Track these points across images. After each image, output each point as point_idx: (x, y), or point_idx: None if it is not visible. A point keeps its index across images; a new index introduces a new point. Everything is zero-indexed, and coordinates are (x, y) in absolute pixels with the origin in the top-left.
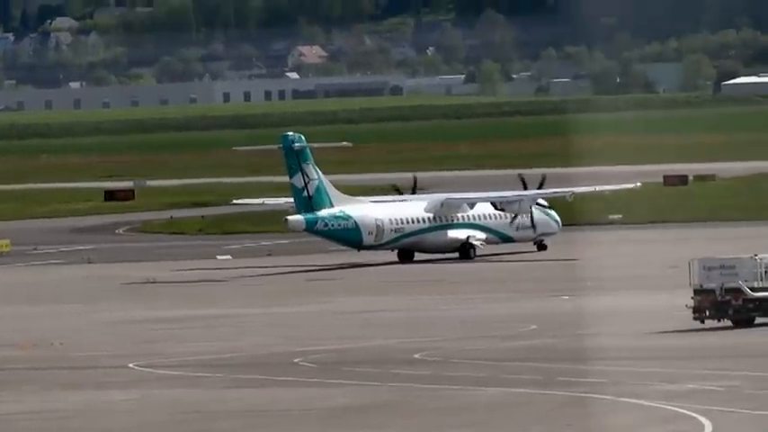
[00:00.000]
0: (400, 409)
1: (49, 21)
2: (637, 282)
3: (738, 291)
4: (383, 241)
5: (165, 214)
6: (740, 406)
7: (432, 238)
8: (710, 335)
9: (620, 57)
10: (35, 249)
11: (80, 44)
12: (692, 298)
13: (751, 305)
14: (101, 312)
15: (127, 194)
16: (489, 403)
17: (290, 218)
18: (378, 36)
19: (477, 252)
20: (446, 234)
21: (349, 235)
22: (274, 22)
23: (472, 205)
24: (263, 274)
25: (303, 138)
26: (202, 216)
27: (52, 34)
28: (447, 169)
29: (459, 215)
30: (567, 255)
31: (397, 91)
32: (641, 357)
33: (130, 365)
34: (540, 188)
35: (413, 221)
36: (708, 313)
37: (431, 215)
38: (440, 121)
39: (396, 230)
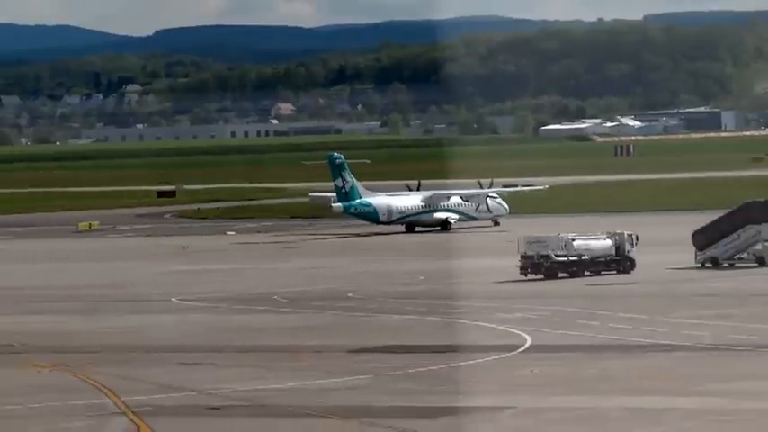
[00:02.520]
0: (338, 328)
1: (124, 86)
2: (488, 250)
3: (548, 256)
4: (392, 219)
5: (194, 206)
6: (549, 327)
7: (424, 218)
8: (530, 284)
9: (477, 111)
10: (114, 227)
11: (143, 101)
12: (520, 260)
13: (556, 265)
14: (154, 266)
15: (171, 194)
16: (394, 325)
17: (333, 205)
18: (327, 97)
19: (453, 227)
20: (433, 216)
21: (370, 216)
22: (262, 87)
23: (449, 198)
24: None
25: (342, 156)
26: (218, 207)
27: (126, 94)
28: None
29: (442, 204)
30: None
31: (338, 131)
32: (488, 297)
33: (173, 299)
34: (490, 188)
35: (412, 207)
36: (529, 270)
37: (423, 204)
38: (365, 151)
39: (400, 213)
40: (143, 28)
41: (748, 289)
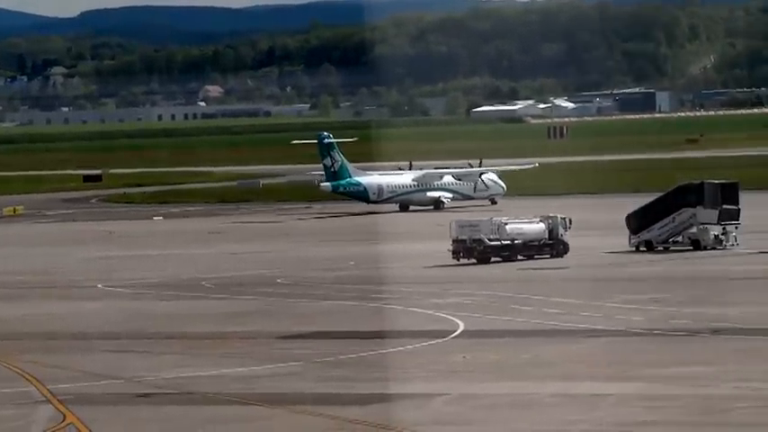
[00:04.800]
0: (268, 313)
1: (49, 68)
2: (422, 235)
3: (480, 240)
4: (383, 198)
5: (121, 191)
6: (481, 313)
7: (416, 197)
8: (463, 269)
9: (408, 93)
10: (39, 212)
11: (69, 83)
12: (452, 245)
13: (489, 249)
14: (80, 252)
15: (97, 178)
16: (325, 311)
17: (322, 184)
18: (256, 79)
19: (445, 206)
20: (425, 195)
21: (360, 195)
22: (190, 69)
23: (441, 177)
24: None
25: (331, 135)
26: (144, 192)
27: (51, 77)
28: (300, 163)
29: (435, 183)
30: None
31: (267, 114)
32: (420, 282)
33: (99, 286)
34: (480, 166)
35: (403, 186)
36: (461, 255)
37: (416, 183)
38: (293, 133)
39: (391, 192)
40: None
41: (683, 273)
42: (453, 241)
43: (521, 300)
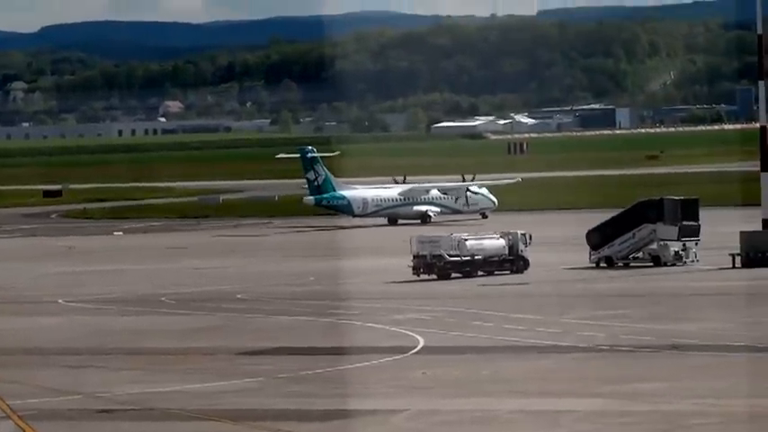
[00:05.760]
0: (227, 330)
1: (9, 83)
2: (383, 250)
3: (440, 256)
4: (368, 212)
5: (81, 206)
6: (441, 329)
7: (403, 210)
8: (423, 284)
9: (368, 109)
10: None
11: (29, 98)
12: (412, 260)
13: (449, 265)
14: (41, 267)
15: (57, 193)
16: (285, 326)
17: (305, 198)
18: (215, 95)
19: (433, 220)
20: (412, 209)
21: (344, 208)
22: (150, 85)
23: (428, 191)
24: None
25: (314, 150)
26: (104, 207)
27: (11, 92)
28: (261, 179)
29: (422, 197)
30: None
31: (227, 129)
32: (380, 298)
33: (60, 301)
34: (472, 181)
35: (389, 200)
36: (422, 270)
37: (402, 197)
38: (255, 149)
39: (376, 206)
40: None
41: (643, 289)
42: (414, 257)
43: (481, 316)
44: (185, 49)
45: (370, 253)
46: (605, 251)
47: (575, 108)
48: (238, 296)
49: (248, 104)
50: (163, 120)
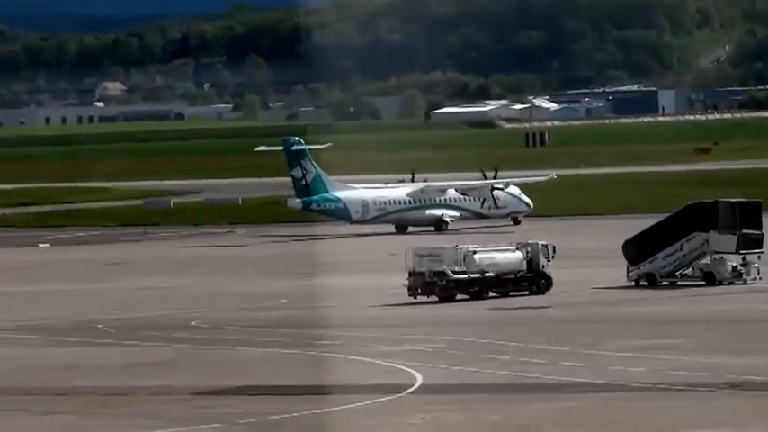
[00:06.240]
0: (180, 364)
1: None
2: (365, 265)
3: (442, 273)
4: (369, 217)
5: None
6: (444, 362)
7: (413, 215)
8: (421, 308)
9: (353, 91)
10: None
11: None
12: (408, 279)
13: (452, 285)
14: None
15: None
16: (251, 360)
17: (289, 200)
18: (165, 74)
19: (450, 226)
20: (424, 212)
21: (339, 213)
22: (84, 62)
23: (444, 191)
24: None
25: (302, 141)
26: (28, 213)
27: None
28: (220, 178)
29: (437, 198)
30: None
31: (179, 117)
32: (367, 325)
33: None
34: (494, 178)
35: (395, 202)
36: (419, 291)
37: (412, 198)
38: (213, 141)
39: (379, 209)
40: None
41: (693, 313)
42: (410, 274)
43: (492, 346)
44: (128, 18)
45: (358, 269)
46: (646, 267)
47: (607, 90)
48: (193, 323)
49: (205, 86)
50: (100, 105)
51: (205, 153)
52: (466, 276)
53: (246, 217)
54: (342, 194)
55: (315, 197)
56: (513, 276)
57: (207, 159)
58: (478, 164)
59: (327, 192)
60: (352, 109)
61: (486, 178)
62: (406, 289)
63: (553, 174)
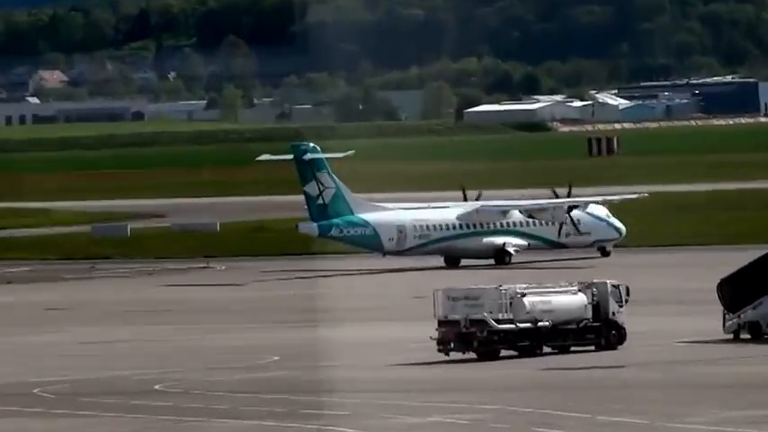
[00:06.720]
0: None
1: None
2: (381, 312)
3: (483, 322)
4: (408, 246)
5: None
6: None
7: (463, 243)
8: (455, 367)
9: (363, 83)
10: None
11: None
12: (437, 329)
13: (495, 337)
14: None
15: None
16: None
17: (301, 224)
18: (119, 61)
19: (513, 258)
20: (481, 240)
21: (367, 240)
22: (14, 46)
23: (505, 212)
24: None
25: (318, 148)
26: None
27: None
28: (190, 196)
29: (496, 222)
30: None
31: (138, 116)
32: (383, 390)
33: None
34: (568, 197)
35: (441, 227)
36: (452, 345)
37: (463, 222)
38: (181, 147)
39: (421, 236)
40: None
41: None
42: (440, 323)
43: (549, 418)
44: None
45: (373, 316)
46: (749, 314)
47: (692, 82)
48: (158, 387)
49: (171, 76)
50: (34, 101)
51: (172, 164)
52: (513, 326)
53: (226, 248)
54: (371, 217)
55: (335, 221)
56: (574, 326)
57: (174, 172)
58: (527, 178)
59: (352, 213)
60: (360, 107)
61: (557, 197)
62: (434, 343)
63: (644, 192)
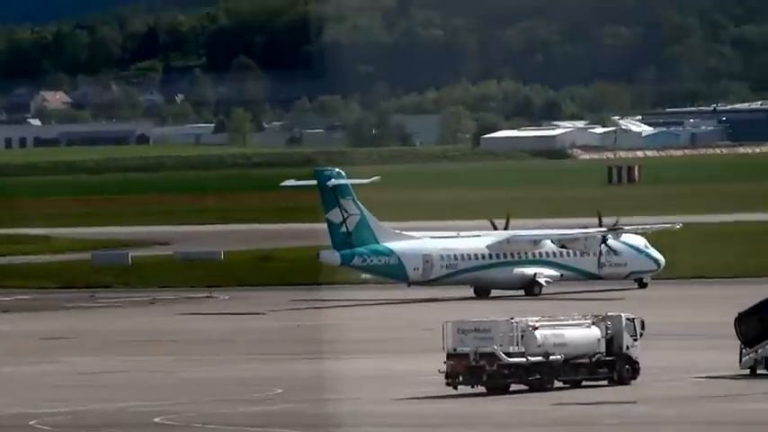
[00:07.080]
0: None
1: None
2: (389, 345)
3: (493, 355)
4: (434, 276)
5: None
6: None
7: (492, 274)
8: (463, 402)
9: (377, 107)
10: None
11: None
12: (445, 362)
13: (506, 371)
14: None
15: None
16: None
17: (322, 252)
18: (124, 82)
19: (543, 289)
20: (511, 270)
21: (391, 270)
22: (16, 65)
23: (537, 242)
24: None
25: (342, 174)
26: None
27: None
28: (195, 223)
29: (528, 252)
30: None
31: (143, 140)
32: (390, 424)
33: None
34: (601, 227)
35: (470, 257)
36: (461, 379)
37: (494, 252)
38: (187, 173)
39: (448, 266)
40: None
41: None
42: (448, 356)
43: None
44: (75, 5)
45: (379, 349)
46: (766, 349)
47: (720, 109)
48: (158, 419)
49: (178, 98)
50: (36, 123)
51: (176, 190)
52: (524, 360)
53: (231, 277)
54: (396, 246)
55: (359, 250)
56: (587, 360)
57: (178, 198)
58: (546, 206)
59: (377, 242)
60: (374, 131)
61: (585, 226)
62: (443, 376)
63: (678, 223)
